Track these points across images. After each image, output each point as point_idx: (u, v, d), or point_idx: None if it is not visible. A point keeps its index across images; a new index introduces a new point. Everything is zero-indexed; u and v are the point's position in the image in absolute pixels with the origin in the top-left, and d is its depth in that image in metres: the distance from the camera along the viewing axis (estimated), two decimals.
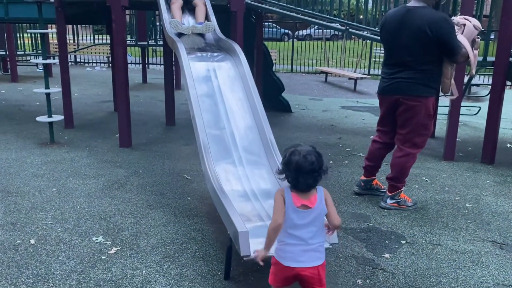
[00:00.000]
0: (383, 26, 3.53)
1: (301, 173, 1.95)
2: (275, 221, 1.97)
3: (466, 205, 3.71)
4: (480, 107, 7.27)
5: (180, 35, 4.44)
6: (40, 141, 5.27)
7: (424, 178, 4.36)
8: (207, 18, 4.77)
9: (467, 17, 3.52)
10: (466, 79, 5.08)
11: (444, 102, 6.31)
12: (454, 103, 4.81)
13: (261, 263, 2.06)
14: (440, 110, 6.11)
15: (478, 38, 3.50)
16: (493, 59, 4.79)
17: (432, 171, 4.59)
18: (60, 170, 4.28)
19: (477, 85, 9.74)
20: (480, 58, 4.90)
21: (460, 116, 4.98)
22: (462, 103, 5.05)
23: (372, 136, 3.88)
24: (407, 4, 3.41)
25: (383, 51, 3.98)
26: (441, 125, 6.34)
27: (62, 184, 3.91)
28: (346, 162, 4.86)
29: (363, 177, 3.86)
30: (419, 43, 3.25)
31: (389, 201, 3.60)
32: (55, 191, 3.76)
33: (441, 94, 3.59)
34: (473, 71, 3.61)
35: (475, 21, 3.43)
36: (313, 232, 1.98)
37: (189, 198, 3.69)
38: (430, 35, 3.20)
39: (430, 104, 3.40)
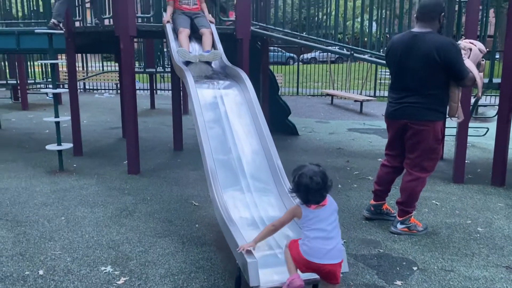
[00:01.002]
0: (389, 51, 3.55)
1: (310, 192, 2.29)
2: (273, 226, 2.44)
3: (478, 229, 3.66)
4: (488, 128, 7.22)
5: (187, 63, 4.51)
6: (49, 169, 5.31)
7: (434, 201, 4.31)
8: (213, 46, 4.85)
9: (472, 41, 3.56)
10: (472, 100, 5.07)
11: (451, 123, 6.29)
12: (462, 124, 4.79)
13: (243, 251, 2.41)
14: (447, 131, 6.08)
15: (483, 61, 3.52)
16: (499, 80, 4.80)
17: (441, 194, 4.55)
18: (69, 198, 4.31)
19: (484, 105, 9.72)
20: (486, 80, 4.92)
21: (468, 137, 4.96)
22: (470, 124, 5.03)
23: (380, 159, 3.87)
24: (412, 30, 3.43)
25: (388, 73, 4.01)
26: (449, 147, 6.30)
27: (71, 213, 3.92)
28: (355, 185, 4.83)
29: (372, 202, 3.83)
30: (426, 68, 3.27)
31: (399, 226, 3.56)
32: (64, 220, 3.77)
33: (447, 116, 3.60)
34: (480, 94, 3.63)
35: (480, 45, 3.47)
36: (333, 225, 2.30)
37: (197, 225, 3.68)
38: (438, 60, 3.22)
39: (438, 128, 3.40)
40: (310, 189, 2.27)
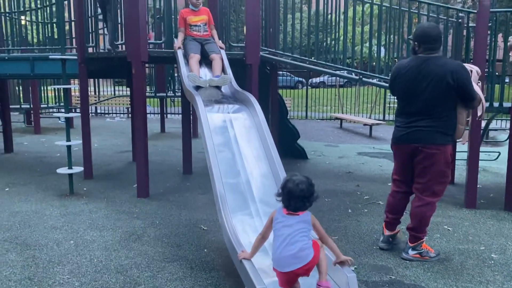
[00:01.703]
0: (396, 77, 3.54)
1: (292, 197, 2.46)
2: (260, 234, 2.63)
3: (492, 255, 3.58)
4: (499, 152, 7.15)
5: (197, 87, 4.57)
6: (59, 193, 5.34)
7: (446, 226, 4.24)
8: (223, 71, 4.91)
9: (469, 64, 3.70)
10: (483, 124, 5.05)
11: (462, 147, 6.25)
12: (473, 149, 4.75)
13: (239, 259, 2.63)
14: (458, 155, 6.04)
15: (479, 82, 3.70)
16: (509, 104, 4.78)
17: (453, 219, 4.47)
18: (78, 222, 4.31)
19: (495, 129, 9.66)
20: (497, 104, 4.90)
21: (480, 161, 4.90)
22: (481, 148, 4.99)
23: (391, 184, 3.82)
24: (419, 55, 3.42)
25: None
26: (460, 171, 6.23)
27: (80, 236, 3.92)
28: (365, 210, 4.77)
29: (388, 232, 3.71)
30: (440, 92, 3.29)
31: (411, 252, 3.49)
32: (73, 243, 3.76)
33: (457, 140, 3.62)
34: (483, 115, 3.86)
35: (477, 68, 3.62)
36: (299, 231, 2.41)
37: (205, 250, 3.65)
38: (452, 83, 3.25)
39: (448, 152, 3.41)
40: (293, 193, 2.45)
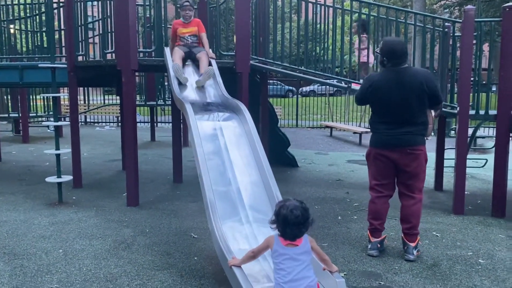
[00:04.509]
0: (372, 90, 3.66)
1: (288, 224, 2.35)
2: (253, 253, 2.59)
3: (479, 260, 3.62)
4: (486, 159, 7.25)
5: (184, 90, 4.63)
6: (48, 202, 5.30)
7: (434, 233, 4.29)
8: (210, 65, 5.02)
9: None
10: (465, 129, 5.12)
11: (450, 154, 6.33)
12: (460, 156, 4.82)
13: (229, 266, 2.65)
14: (446, 163, 6.12)
15: None
16: (495, 112, 4.86)
17: (442, 225, 4.52)
18: (68, 230, 4.28)
19: (483, 137, 9.79)
20: (483, 112, 4.99)
21: (467, 168, 4.97)
22: (469, 156, 5.06)
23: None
24: (391, 67, 3.60)
25: None
26: (448, 178, 6.30)
27: (69, 245, 3.89)
28: (355, 217, 4.80)
29: (375, 239, 3.74)
30: (417, 99, 3.53)
31: (415, 253, 3.63)
32: (62, 252, 3.73)
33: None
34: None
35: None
36: (303, 266, 2.34)
37: (196, 258, 3.64)
38: (427, 90, 3.52)
39: (426, 150, 3.69)
40: (288, 221, 2.33)
